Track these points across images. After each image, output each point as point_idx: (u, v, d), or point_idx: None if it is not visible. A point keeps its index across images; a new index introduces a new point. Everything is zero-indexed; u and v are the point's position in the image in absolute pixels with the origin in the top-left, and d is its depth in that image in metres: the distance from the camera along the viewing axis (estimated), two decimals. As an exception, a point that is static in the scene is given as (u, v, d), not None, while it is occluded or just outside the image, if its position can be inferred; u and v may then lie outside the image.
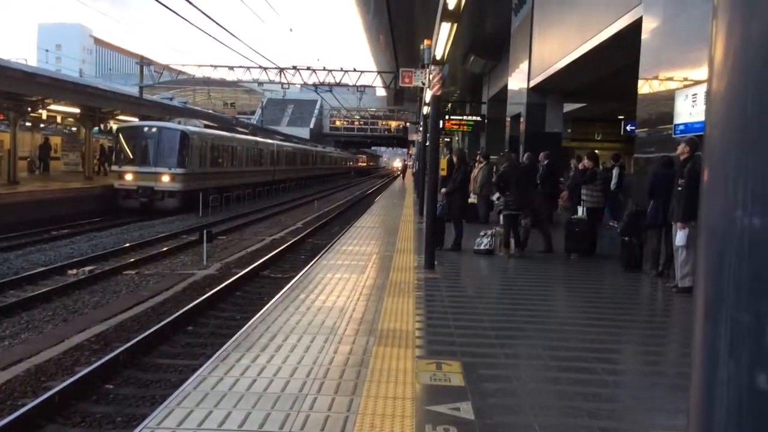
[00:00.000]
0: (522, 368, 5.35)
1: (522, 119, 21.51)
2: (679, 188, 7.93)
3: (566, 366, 5.27)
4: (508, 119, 24.30)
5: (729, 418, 0.51)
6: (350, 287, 8.12)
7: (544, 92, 20.54)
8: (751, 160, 0.51)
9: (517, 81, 22.59)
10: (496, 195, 13.45)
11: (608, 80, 17.10)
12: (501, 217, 11.96)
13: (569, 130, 26.58)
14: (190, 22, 17.97)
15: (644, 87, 10.77)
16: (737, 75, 0.52)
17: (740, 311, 0.50)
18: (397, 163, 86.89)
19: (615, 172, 16.17)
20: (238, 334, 5.99)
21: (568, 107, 24.22)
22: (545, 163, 16.22)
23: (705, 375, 0.54)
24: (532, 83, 20.19)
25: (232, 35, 20.94)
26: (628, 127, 22.95)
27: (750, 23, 0.50)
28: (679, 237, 8.09)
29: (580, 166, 13.92)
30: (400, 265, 9.97)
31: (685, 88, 9.05)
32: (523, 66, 21.25)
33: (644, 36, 10.68)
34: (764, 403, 0.48)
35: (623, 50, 12.48)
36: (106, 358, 7.43)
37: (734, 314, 0.51)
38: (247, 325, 6.30)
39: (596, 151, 16.30)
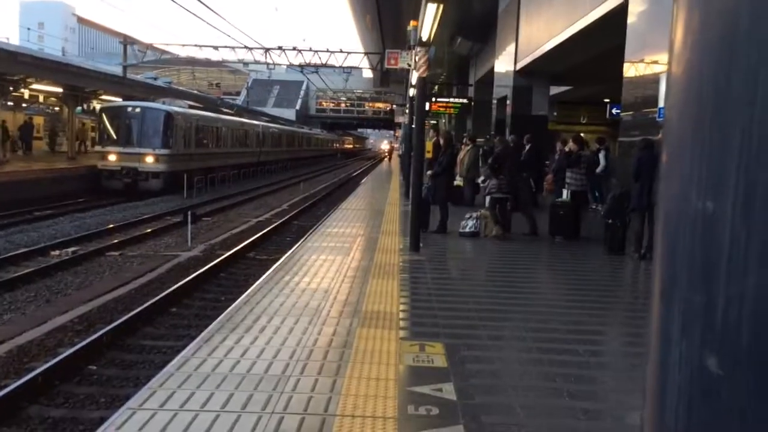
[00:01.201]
0: (505, 349, 5.39)
1: (508, 102, 21.52)
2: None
3: (548, 347, 5.31)
4: (495, 102, 24.32)
5: (680, 397, 0.51)
6: (335, 269, 8.13)
7: (530, 75, 20.54)
8: (705, 143, 0.51)
9: (504, 63, 22.56)
10: (482, 178, 13.47)
11: (594, 63, 17.12)
12: (487, 199, 11.99)
13: (555, 113, 26.64)
14: (174, 1, 17.74)
15: (630, 70, 10.79)
16: (695, 55, 0.51)
17: (692, 293, 0.50)
18: (384, 146, 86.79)
19: (602, 155, 16.24)
20: (222, 315, 5.98)
21: (555, 90, 24.24)
22: (528, 146, 16.27)
23: (659, 355, 0.54)
24: (519, 66, 20.18)
25: (217, 14, 20.72)
26: (614, 111, 23.03)
27: (710, 3, 0.50)
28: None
29: (566, 149, 13.98)
30: (385, 247, 9.98)
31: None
32: (510, 48, 21.22)
33: (630, 19, 10.68)
34: (713, 383, 0.48)
35: (609, 33, 12.49)
36: (90, 339, 7.40)
37: (687, 296, 0.51)
38: (231, 307, 6.29)
39: (581, 134, 16.34)
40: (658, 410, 0.53)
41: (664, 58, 9.54)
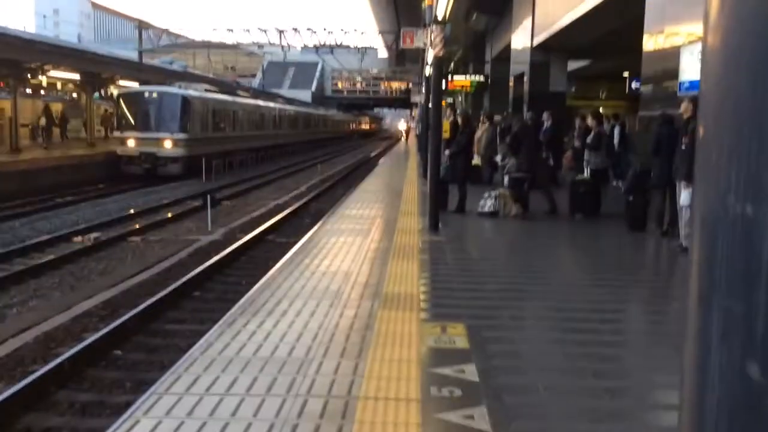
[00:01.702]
0: (526, 330, 5.38)
1: (526, 78, 21.31)
2: (683, 147, 7.86)
3: (570, 327, 5.29)
4: (512, 79, 24.08)
5: (720, 404, 0.50)
6: (354, 251, 8.14)
7: (547, 50, 20.30)
8: (744, 144, 0.49)
9: (521, 39, 22.31)
10: (499, 156, 13.37)
11: (613, 36, 16.87)
12: (506, 178, 11.91)
13: (573, 89, 26.33)
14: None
15: (649, 42, 10.62)
16: (731, 67, 0.49)
17: (733, 300, 0.49)
18: (401, 125, 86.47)
19: (616, 131, 16.04)
20: (244, 299, 6.02)
21: (572, 65, 23.95)
22: (549, 123, 16.11)
23: (697, 360, 0.53)
24: (536, 41, 19.94)
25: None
26: (634, 84, 22.75)
27: None
28: (684, 196, 8.05)
29: (588, 124, 13.82)
30: (404, 227, 9.98)
31: (690, 44, 8.91)
32: (527, 23, 20.96)
33: (649, -9, 10.50)
34: (755, 392, 0.47)
35: (628, 5, 12.29)
36: (114, 324, 7.50)
37: (727, 303, 0.50)
38: (252, 291, 6.33)
39: (600, 110, 16.14)
40: (698, 422, 0.52)
41: (684, 30, 9.38)
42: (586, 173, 12.05)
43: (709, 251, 0.52)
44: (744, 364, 0.47)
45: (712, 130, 0.53)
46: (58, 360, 6.34)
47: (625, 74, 24.53)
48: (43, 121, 28.90)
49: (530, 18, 20.43)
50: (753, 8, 0.48)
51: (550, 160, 14.86)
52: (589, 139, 12.23)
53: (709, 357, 0.51)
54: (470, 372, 4.19)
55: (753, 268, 0.47)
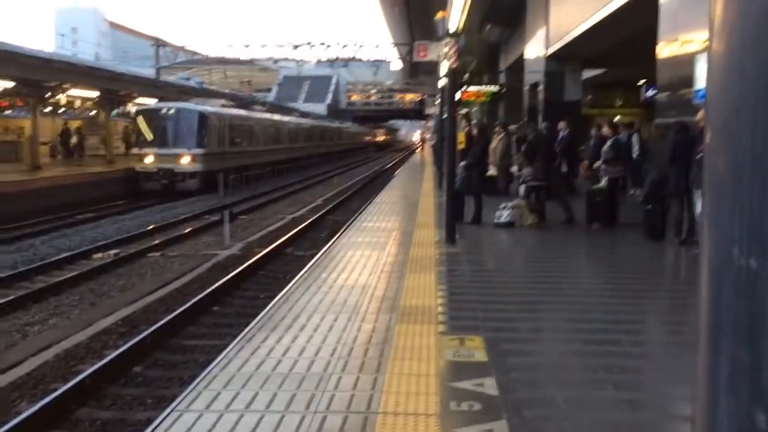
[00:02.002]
0: (545, 342, 5.36)
1: (540, 88, 21.27)
2: (700, 155, 7.80)
3: (590, 338, 5.26)
4: (526, 88, 24.04)
5: None
6: (371, 264, 8.15)
7: (562, 60, 20.26)
8: (746, 201, 0.49)
9: (535, 49, 22.29)
10: (515, 167, 13.35)
11: (627, 45, 16.81)
12: (522, 188, 11.88)
13: (588, 98, 26.24)
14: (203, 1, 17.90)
15: (664, 51, 10.58)
16: (732, 116, 0.50)
17: (739, 348, 0.49)
18: (416, 137, 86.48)
19: (635, 139, 15.97)
20: (262, 314, 6.04)
21: (587, 74, 23.88)
22: (566, 132, 16.06)
23: (707, 403, 0.53)
24: (550, 51, 19.92)
25: (246, 13, 20.85)
26: (649, 93, 22.63)
27: None
28: (701, 204, 7.99)
29: (603, 133, 13.76)
30: (420, 240, 9.98)
31: (704, 51, 8.86)
32: (541, 33, 20.95)
33: (662, -1, 10.47)
34: None
35: (642, 14, 12.24)
36: (134, 340, 7.55)
37: (734, 350, 0.50)
38: (270, 305, 6.36)
39: (616, 119, 16.08)
40: None
41: (697, 36, 9.34)
42: (603, 182, 11.98)
43: (715, 297, 0.52)
44: (752, 412, 0.47)
45: (715, 182, 0.53)
46: (79, 377, 6.39)
47: (641, 82, 24.40)
48: (75, 139, 29.29)
49: (544, 28, 20.42)
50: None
51: (564, 167, 14.79)
52: (605, 148, 12.16)
53: (717, 403, 0.51)
54: (489, 385, 4.18)
55: (758, 319, 0.47)
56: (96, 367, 6.68)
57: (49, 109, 30.34)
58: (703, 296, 0.54)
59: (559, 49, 18.87)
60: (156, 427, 3.70)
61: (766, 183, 0.47)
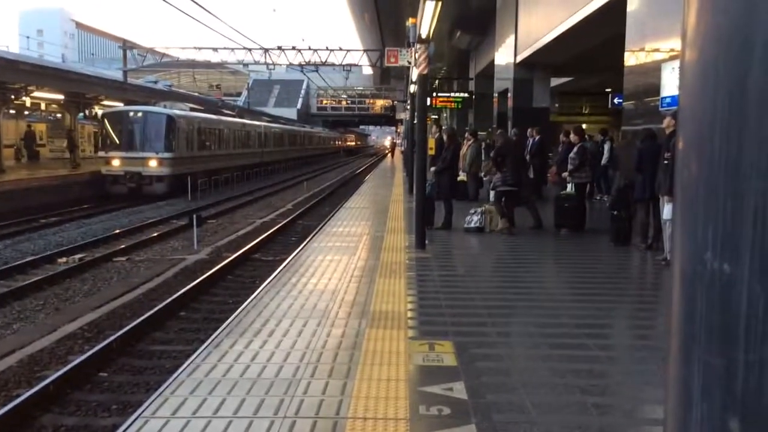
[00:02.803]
0: (514, 346, 5.39)
1: (509, 95, 21.48)
2: (666, 161, 7.94)
3: (558, 343, 5.31)
4: (496, 95, 24.26)
5: None
6: (341, 269, 8.13)
7: (531, 67, 20.50)
8: (720, 203, 0.50)
9: (504, 56, 22.51)
10: (483, 173, 13.45)
11: (595, 53, 17.08)
12: (492, 194, 11.97)
13: (557, 105, 26.57)
14: (171, 4, 17.75)
15: (631, 59, 10.76)
16: (704, 126, 0.50)
17: (712, 356, 0.50)
18: (387, 142, 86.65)
19: (606, 146, 16.25)
20: (230, 319, 5.99)
21: (555, 81, 24.19)
22: (537, 138, 16.26)
23: (678, 413, 0.54)
24: (519, 58, 20.14)
25: (215, 17, 20.72)
26: (616, 100, 22.98)
27: None
28: (667, 210, 8.13)
29: (570, 139, 13.93)
30: (390, 245, 9.99)
31: (671, 60, 9.04)
32: (510, 41, 21.17)
33: (630, 7, 10.65)
34: None
35: (610, 22, 12.45)
36: (100, 346, 7.42)
37: (706, 358, 0.50)
38: (239, 311, 6.30)
39: (583, 126, 16.31)
40: None
41: (664, 45, 9.52)
42: (570, 188, 12.13)
43: (689, 306, 0.52)
44: (725, 420, 0.48)
45: (687, 185, 0.53)
46: (43, 383, 6.27)
47: (608, 90, 24.78)
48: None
49: (513, 35, 20.64)
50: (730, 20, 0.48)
51: (531, 173, 14.97)
52: (572, 154, 12.31)
53: (690, 408, 0.51)
54: (459, 390, 4.19)
55: (731, 327, 0.48)
56: (60, 372, 6.56)
57: (12, 111, 29.77)
58: (674, 303, 0.54)
59: (528, 57, 19.09)
60: (121, 434, 3.64)
61: (738, 190, 0.47)
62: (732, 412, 0.47)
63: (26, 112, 31.81)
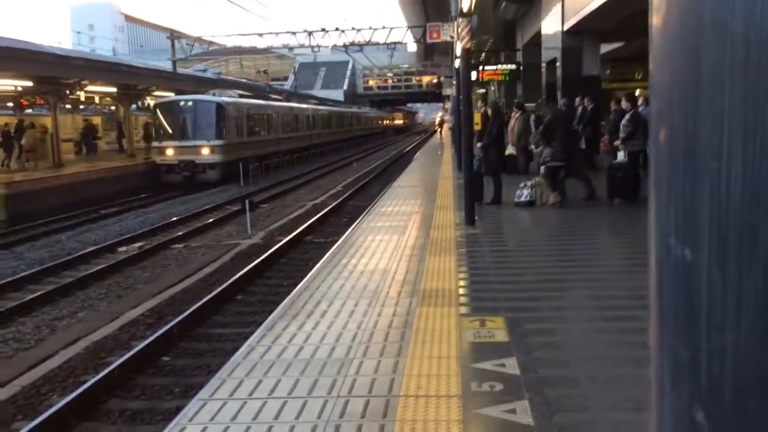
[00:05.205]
0: (566, 320, 5.34)
1: (558, 64, 21.02)
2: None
3: (611, 315, 5.24)
4: (544, 65, 23.78)
5: None
6: (392, 248, 8.16)
7: (579, 34, 19.98)
8: (680, 185, 0.48)
9: (551, 24, 22.01)
10: (532, 144, 13.24)
11: (645, 16, 16.50)
12: (542, 168, 11.79)
13: (608, 72, 25.90)
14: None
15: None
16: (666, 104, 0.49)
17: (678, 344, 0.49)
18: (435, 119, 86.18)
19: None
20: (284, 302, 6.09)
21: (606, 48, 23.55)
22: (590, 107, 15.87)
23: (655, 402, 0.53)
24: (567, 26, 19.65)
25: (259, 2, 20.84)
26: (669, 64, 22.26)
27: None
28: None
29: (622, 107, 13.59)
30: (440, 222, 9.97)
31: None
32: (556, 8, 20.67)
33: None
34: None
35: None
36: (161, 331, 7.66)
37: (674, 346, 0.49)
38: (292, 293, 6.40)
39: (636, 92, 15.86)
40: None
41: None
42: (623, 156, 11.84)
43: (658, 289, 0.52)
44: (692, 409, 0.47)
45: (656, 163, 0.52)
46: (108, 369, 6.51)
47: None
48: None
49: (560, 3, 20.15)
50: None
51: (582, 143, 14.65)
52: (624, 122, 12.01)
53: (663, 400, 0.51)
54: (511, 365, 4.18)
55: (694, 314, 0.47)
56: (125, 358, 6.80)
57: (68, 106, 30.64)
58: (649, 290, 0.54)
59: (576, 24, 18.62)
60: (181, 417, 3.76)
61: (698, 172, 0.46)
62: (698, 403, 0.46)
63: (81, 107, 32.65)
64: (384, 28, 32.91)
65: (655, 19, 0.51)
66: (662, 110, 0.50)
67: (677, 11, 0.48)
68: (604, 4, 15.29)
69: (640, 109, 13.67)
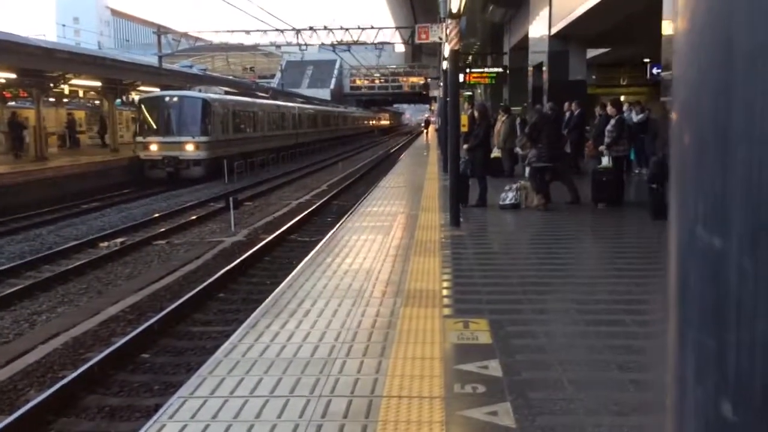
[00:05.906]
0: (550, 323, 5.34)
1: (545, 68, 21.11)
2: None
3: (594, 319, 5.25)
4: (531, 69, 23.88)
5: None
6: (376, 248, 8.15)
7: (566, 39, 20.07)
8: (708, 169, 0.47)
9: (538, 28, 22.10)
10: (517, 148, 13.29)
11: (632, 22, 16.65)
12: (527, 169, 11.84)
13: (593, 77, 26.06)
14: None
15: (669, 28, 10.48)
16: (696, 85, 0.48)
17: (705, 336, 0.47)
18: (421, 120, 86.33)
19: (637, 117, 15.94)
20: (267, 300, 6.05)
21: (592, 53, 23.67)
22: (577, 111, 15.97)
23: (676, 399, 0.51)
24: (554, 30, 19.74)
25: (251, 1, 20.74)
26: (654, 70, 22.47)
27: None
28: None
29: (607, 112, 13.69)
30: (425, 223, 9.96)
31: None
32: (544, 13, 20.76)
33: (667, -25, 10.36)
34: None
35: (646, -9, 12.12)
36: (141, 327, 7.58)
37: (700, 339, 0.48)
38: (276, 291, 6.36)
39: (621, 98, 15.98)
40: None
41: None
42: (608, 161, 11.92)
43: (682, 279, 0.50)
44: (718, 403, 0.45)
45: (678, 149, 0.51)
46: (87, 365, 6.43)
47: (646, 60, 24.22)
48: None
49: (547, 7, 20.24)
50: None
51: (568, 147, 14.75)
52: (609, 127, 12.09)
53: (685, 395, 0.49)
54: (493, 368, 4.18)
55: (722, 304, 0.45)
56: (104, 354, 6.72)
57: (52, 99, 30.33)
58: (671, 280, 0.52)
59: (563, 29, 18.70)
60: (161, 415, 3.72)
61: (729, 160, 0.45)
62: (725, 395, 0.45)
63: (65, 100, 32.34)
64: (372, 28, 32.90)
65: (681, 18, 0.50)
66: (689, 103, 0.48)
67: (705, 5, 0.46)
68: (592, 9, 15.37)
69: (625, 114, 13.78)
